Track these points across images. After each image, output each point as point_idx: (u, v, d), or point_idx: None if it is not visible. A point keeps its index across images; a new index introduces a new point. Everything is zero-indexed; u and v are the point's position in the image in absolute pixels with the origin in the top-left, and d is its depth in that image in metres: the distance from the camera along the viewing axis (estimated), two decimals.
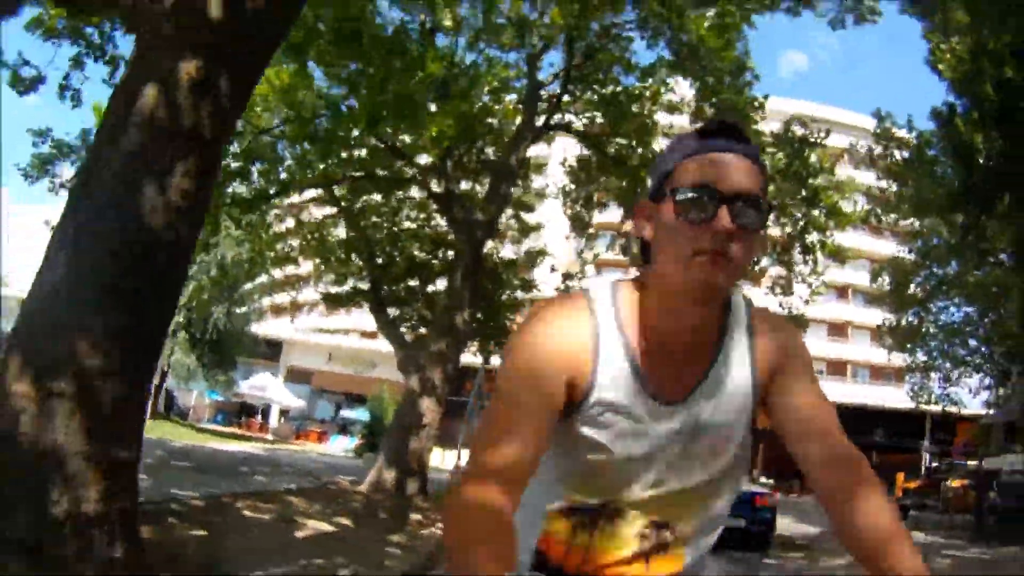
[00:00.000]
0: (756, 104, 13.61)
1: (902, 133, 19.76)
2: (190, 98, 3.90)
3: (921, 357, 26.18)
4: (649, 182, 1.54)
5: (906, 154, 19.80)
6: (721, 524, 1.59)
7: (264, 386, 37.43)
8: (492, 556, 1.17)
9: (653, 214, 1.43)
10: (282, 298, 41.24)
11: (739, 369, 1.48)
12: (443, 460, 23.44)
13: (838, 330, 47.82)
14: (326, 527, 8.21)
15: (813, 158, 13.92)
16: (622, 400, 1.42)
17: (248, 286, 31.91)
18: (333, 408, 44.51)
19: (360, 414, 37.74)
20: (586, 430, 1.44)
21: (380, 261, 16.38)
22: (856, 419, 37.97)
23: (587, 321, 1.44)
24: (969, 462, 24.50)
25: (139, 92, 3.84)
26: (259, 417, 41.07)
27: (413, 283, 17.36)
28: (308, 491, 11.41)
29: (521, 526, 1.39)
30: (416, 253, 17.20)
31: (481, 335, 17.34)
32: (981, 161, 15.89)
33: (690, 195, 1.35)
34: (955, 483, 22.51)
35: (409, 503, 11.82)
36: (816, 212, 14.20)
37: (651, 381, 1.44)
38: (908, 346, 26.20)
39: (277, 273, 25.24)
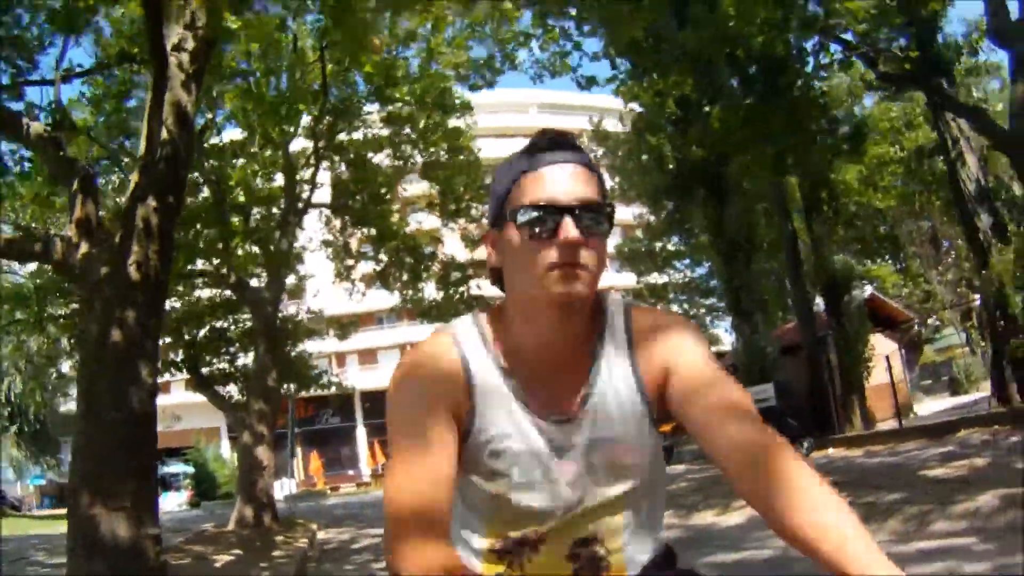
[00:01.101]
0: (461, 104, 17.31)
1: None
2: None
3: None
4: (487, 209, 1.57)
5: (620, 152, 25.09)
6: (658, 528, 1.56)
7: None
8: None
9: (498, 240, 1.44)
10: None
11: (623, 378, 1.45)
12: (281, 489, 26.59)
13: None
14: (228, 557, 11.66)
15: None
16: (506, 423, 1.43)
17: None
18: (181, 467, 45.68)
19: (181, 467, 39.79)
20: (482, 461, 1.43)
21: (187, 338, 19.02)
22: None
23: (454, 353, 1.44)
24: None
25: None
26: None
27: (225, 358, 19.99)
28: (195, 539, 14.41)
29: None
30: (217, 324, 19.66)
31: (285, 378, 20.38)
32: (671, 167, 21.17)
33: (532, 214, 1.35)
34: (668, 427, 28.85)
35: (269, 530, 15.01)
36: None
37: (532, 401, 1.44)
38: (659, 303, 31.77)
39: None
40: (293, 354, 20.39)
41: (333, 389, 24.30)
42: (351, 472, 44.19)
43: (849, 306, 19.67)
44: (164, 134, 7.07)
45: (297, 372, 20.60)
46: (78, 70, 9.97)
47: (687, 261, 31.48)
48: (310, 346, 23.63)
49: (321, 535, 15.76)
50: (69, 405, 34.59)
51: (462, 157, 18.42)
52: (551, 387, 1.45)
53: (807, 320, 20.52)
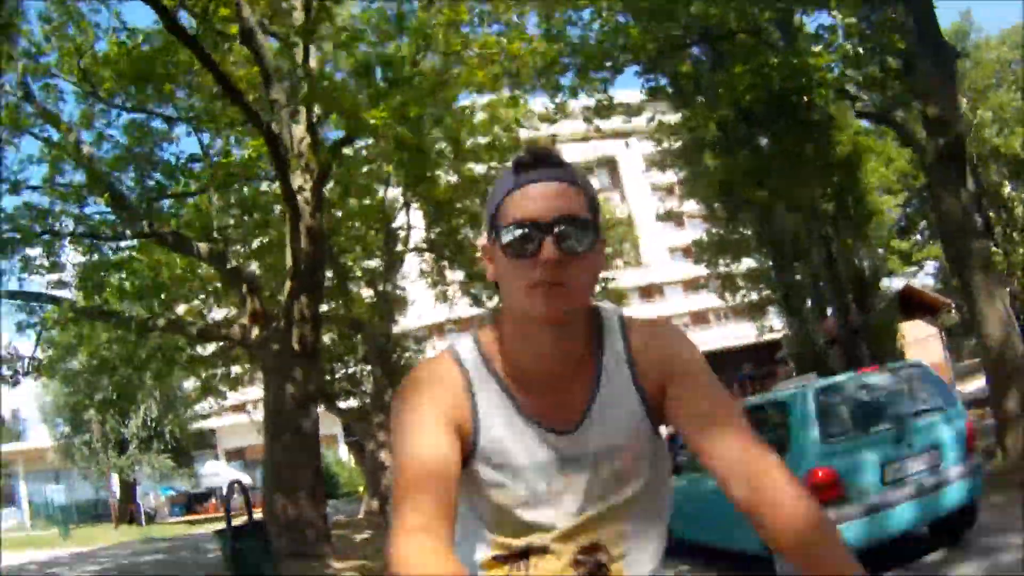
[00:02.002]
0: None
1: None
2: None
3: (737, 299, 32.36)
4: (483, 223, 1.57)
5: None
6: (661, 531, 1.61)
7: (217, 472, 43.46)
8: None
9: (492, 253, 1.47)
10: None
11: (624, 391, 1.51)
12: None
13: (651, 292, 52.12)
14: (364, 535, 15.56)
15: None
16: (508, 435, 1.48)
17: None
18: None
19: None
20: (486, 472, 1.49)
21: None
22: (727, 356, 45.55)
23: (455, 369, 1.51)
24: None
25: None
26: (213, 499, 47.37)
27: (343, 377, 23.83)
28: (335, 526, 18.16)
29: None
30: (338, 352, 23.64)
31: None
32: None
33: (514, 233, 1.39)
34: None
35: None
36: None
37: (534, 412, 1.49)
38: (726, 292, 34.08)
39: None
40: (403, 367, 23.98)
41: None
42: None
43: (875, 300, 22.12)
44: (303, 250, 10.83)
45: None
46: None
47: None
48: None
49: None
50: (198, 423, 39.92)
51: None
52: (552, 398, 1.49)
53: (840, 315, 23.14)
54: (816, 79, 11.78)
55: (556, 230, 1.38)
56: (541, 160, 1.45)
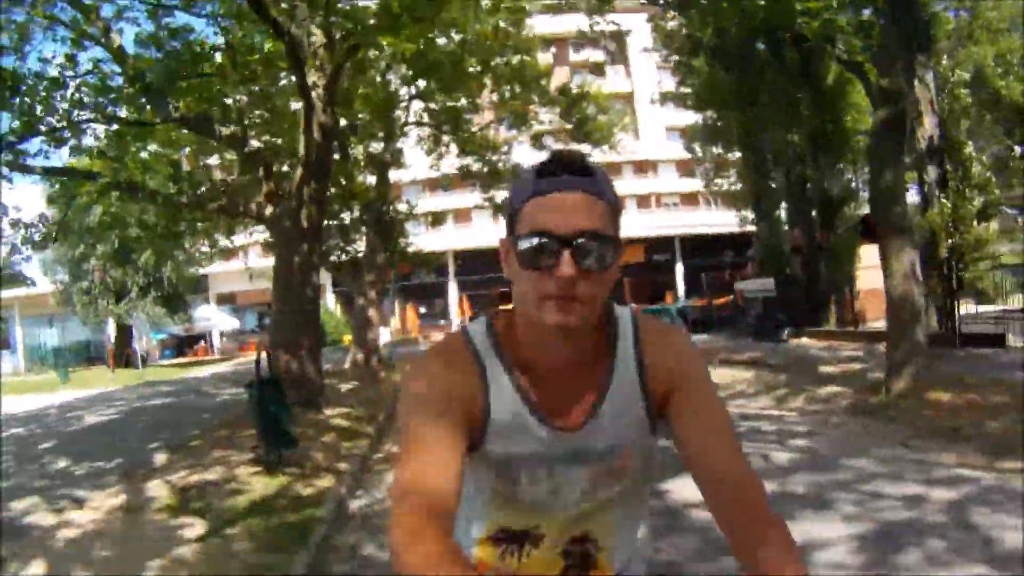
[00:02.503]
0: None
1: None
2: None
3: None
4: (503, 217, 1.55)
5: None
6: (643, 522, 1.78)
7: (208, 316, 45.43)
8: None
9: (509, 252, 1.46)
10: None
11: (631, 393, 1.56)
12: (382, 338, 32.87)
13: (644, 168, 53.43)
14: (349, 385, 17.62)
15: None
16: (515, 426, 1.53)
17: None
18: (256, 319, 52.99)
19: None
20: (490, 458, 1.56)
21: None
22: (711, 240, 47.12)
23: (468, 354, 1.55)
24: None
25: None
26: (203, 343, 49.87)
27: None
28: (327, 375, 20.40)
29: None
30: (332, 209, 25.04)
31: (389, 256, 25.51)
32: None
33: (530, 243, 1.39)
34: (719, 300, 33.60)
35: (375, 369, 21.24)
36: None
37: (542, 407, 1.54)
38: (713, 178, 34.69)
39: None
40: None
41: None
42: (442, 323, 50.12)
43: (840, 222, 23.84)
44: (315, 141, 12.35)
45: (400, 251, 25.42)
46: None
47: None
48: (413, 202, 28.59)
49: None
50: (192, 269, 41.38)
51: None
52: (561, 395, 1.55)
53: (805, 230, 24.74)
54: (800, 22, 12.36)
55: (575, 244, 1.36)
56: (566, 166, 1.42)
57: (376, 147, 22.41)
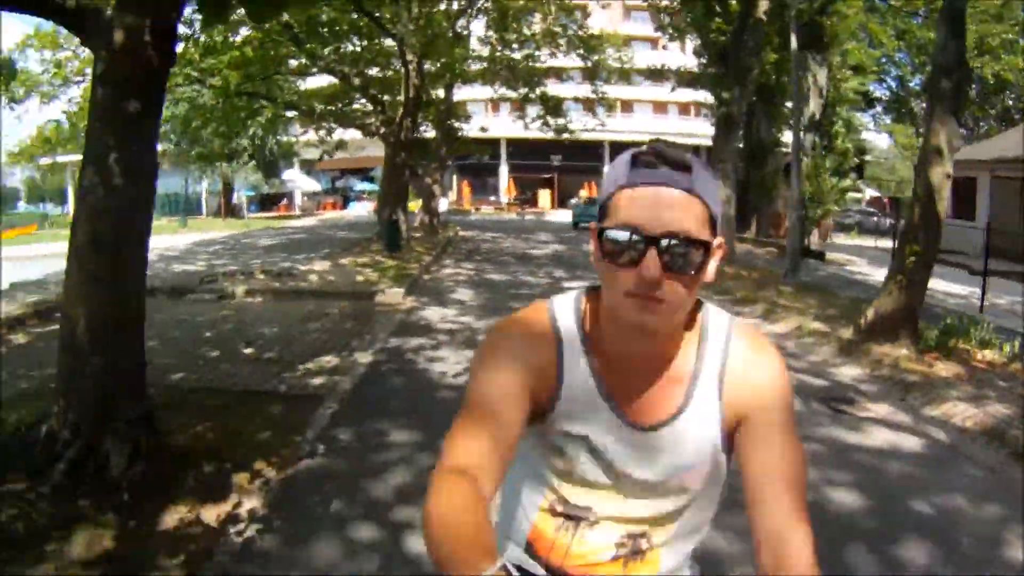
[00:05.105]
0: None
1: None
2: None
3: None
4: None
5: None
6: (703, 527, 1.72)
7: (293, 179, 57.77)
8: (473, 550, 1.21)
9: (596, 238, 1.46)
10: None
11: (709, 411, 1.55)
12: (441, 206, 42.10)
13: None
14: (418, 234, 29.12)
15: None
16: (586, 411, 1.55)
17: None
18: (329, 182, 64.99)
19: (367, 185, 58.89)
20: (555, 439, 1.58)
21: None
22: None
23: (548, 330, 1.57)
24: None
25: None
26: (285, 201, 62.02)
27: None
28: None
29: (515, 518, 1.73)
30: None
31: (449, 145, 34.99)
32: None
33: (617, 235, 1.38)
34: None
35: (435, 229, 32.31)
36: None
37: (616, 399, 1.56)
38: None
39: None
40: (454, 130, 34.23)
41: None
42: (492, 198, 61.44)
43: (767, 163, 32.34)
44: (410, 96, 23.66)
45: (459, 140, 34.78)
46: None
47: None
48: (476, 92, 37.85)
49: (461, 233, 33.47)
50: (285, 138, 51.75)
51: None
52: (638, 392, 1.55)
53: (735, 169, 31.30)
54: None
55: (662, 244, 1.35)
56: (662, 158, 1.40)
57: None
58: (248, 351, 9.95)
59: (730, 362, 1.56)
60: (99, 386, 5.57)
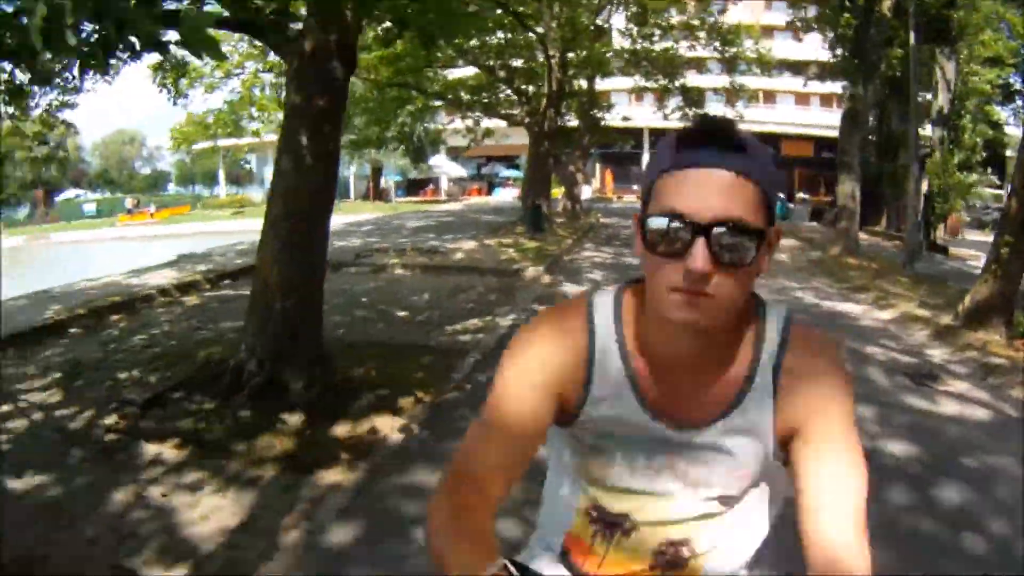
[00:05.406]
0: None
1: None
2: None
3: None
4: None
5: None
6: (756, 539, 1.59)
7: (440, 165, 59.75)
8: (473, 550, 1.24)
9: (639, 228, 1.36)
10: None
11: (763, 412, 1.45)
12: (583, 194, 43.08)
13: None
14: (561, 220, 30.26)
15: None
16: (621, 416, 1.48)
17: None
18: (475, 168, 67.03)
19: (512, 172, 60.61)
20: (586, 442, 1.54)
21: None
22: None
23: (582, 334, 1.50)
24: None
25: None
26: (431, 186, 64.38)
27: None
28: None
29: (550, 519, 1.68)
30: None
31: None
32: None
33: (659, 224, 1.28)
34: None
35: (577, 215, 33.27)
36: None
37: (658, 403, 1.47)
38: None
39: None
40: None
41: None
42: (635, 187, 62.09)
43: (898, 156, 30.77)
44: (553, 88, 24.93)
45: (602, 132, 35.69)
46: None
47: None
48: (619, 82, 38.23)
49: (602, 220, 34.35)
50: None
51: None
52: (681, 394, 1.47)
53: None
54: None
55: (711, 233, 1.24)
56: (711, 136, 1.29)
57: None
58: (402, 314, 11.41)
59: (786, 364, 1.45)
60: (285, 329, 7.09)
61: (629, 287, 1.55)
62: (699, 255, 1.24)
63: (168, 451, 6.12)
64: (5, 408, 7.31)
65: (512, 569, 1.23)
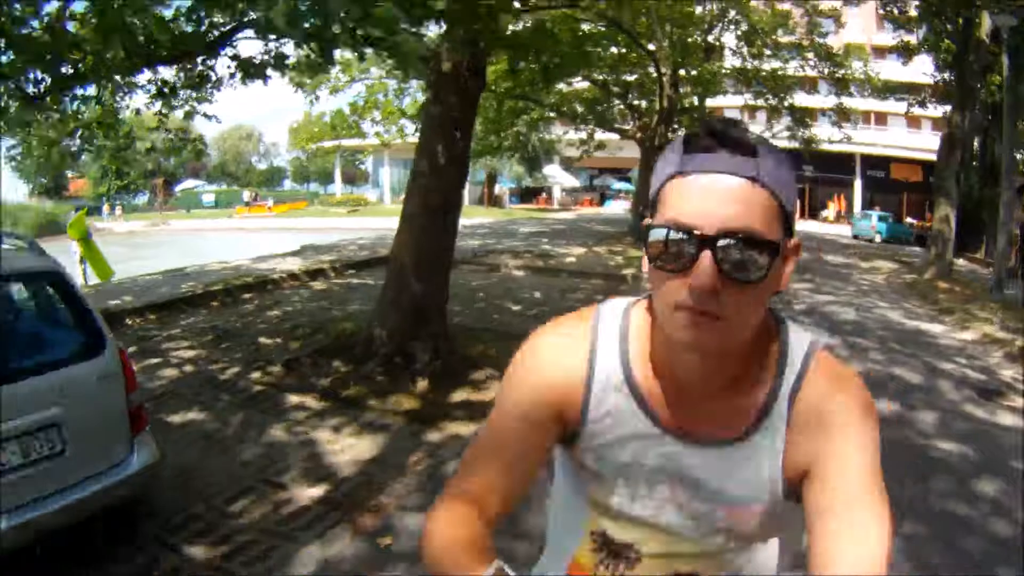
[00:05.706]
0: None
1: None
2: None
3: None
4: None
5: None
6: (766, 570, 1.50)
7: (553, 174, 60.45)
8: (467, 556, 1.22)
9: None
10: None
11: (770, 450, 1.34)
12: None
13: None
14: None
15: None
16: (622, 439, 1.40)
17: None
18: (587, 179, 67.69)
19: (624, 184, 61.30)
20: (587, 465, 1.45)
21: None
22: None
23: (584, 351, 1.41)
24: None
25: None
26: (544, 194, 65.33)
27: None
28: None
29: (556, 542, 1.62)
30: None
31: None
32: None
33: (662, 236, 1.18)
34: None
35: None
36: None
37: (663, 425, 1.38)
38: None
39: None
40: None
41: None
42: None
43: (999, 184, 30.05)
44: (664, 106, 25.74)
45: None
46: None
47: None
48: (731, 99, 36.52)
49: None
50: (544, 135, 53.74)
51: None
52: (690, 418, 1.37)
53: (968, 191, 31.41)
54: None
55: (719, 246, 1.14)
56: (720, 140, 1.18)
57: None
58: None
59: (804, 393, 1.33)
60: (414, 307, 8.28)
61: (638, 304, 1.46)
62: (704, 270, 1.14)
63: (310, 401, 7.40)
64: (155, 360, 8.80)
65: (508, 570, 1.19)
